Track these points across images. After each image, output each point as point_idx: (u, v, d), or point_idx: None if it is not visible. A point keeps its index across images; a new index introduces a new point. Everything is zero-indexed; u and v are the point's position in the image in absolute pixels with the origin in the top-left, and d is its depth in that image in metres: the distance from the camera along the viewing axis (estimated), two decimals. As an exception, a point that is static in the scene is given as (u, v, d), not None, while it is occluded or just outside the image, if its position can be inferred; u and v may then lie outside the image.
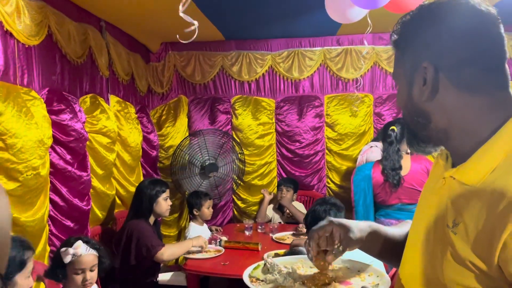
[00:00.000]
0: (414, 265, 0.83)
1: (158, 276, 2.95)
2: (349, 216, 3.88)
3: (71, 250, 1.84)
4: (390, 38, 0.87)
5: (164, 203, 2.84)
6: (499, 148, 0.71)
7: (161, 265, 2.99)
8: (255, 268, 1.18)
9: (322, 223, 1.03)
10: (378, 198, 3.06)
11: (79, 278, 1.85)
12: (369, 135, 4.09)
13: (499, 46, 0.76)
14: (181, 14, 1.58)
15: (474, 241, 0.68)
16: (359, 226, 1.01)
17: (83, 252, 1.86)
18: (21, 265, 1.50)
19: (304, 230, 3.08)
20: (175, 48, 4.22)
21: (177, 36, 1.96)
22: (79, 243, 1.87)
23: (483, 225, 0.67)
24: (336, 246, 0.99)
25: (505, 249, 0.63)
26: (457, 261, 0.71)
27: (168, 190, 2.90)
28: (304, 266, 1.18)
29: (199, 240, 2.83)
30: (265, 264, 1.16)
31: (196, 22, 1.63)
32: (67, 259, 1.83)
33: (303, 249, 2.16)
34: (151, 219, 2.83)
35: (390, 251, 1.02)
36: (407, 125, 0.87)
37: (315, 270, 1.11)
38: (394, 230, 1.06)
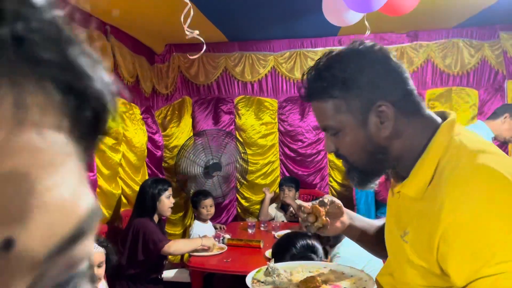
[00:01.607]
0: (389, 272, 0.95)
1: (162, 273, 3.03)
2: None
3: None
4: (314, 92, 0.88)
5: (166, 201, 2.89)
6: (430, 160, 0.81)
7: (166, 262, 3.07)
8: (258, 271, 1.27)
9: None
10: (379, 196, 3.12)
11: None
12: (370, 134, 4.12)
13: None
14: (186, 32, 1.65)
15: (419, 247, 0.79)
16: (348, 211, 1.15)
17: None
18: None
19: None
20: (179, 50, 4.29)
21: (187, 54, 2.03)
22: None
23: (423, 231, 0.77)
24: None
25: (438, 250, 0.74)
26: (413, 265, 0.82)
27: (170, 189, 2.94)
28: (303, 270, 1.27)
29: (208, 240, 2.89)
30: (267, 268, 1.25)
31: (197, 31, 1.71)
32: None
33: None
34: (155, 218, 2.90)
35: (362, 236, 1.15)
36: (361, 168, 0.90)
37: (312, 274, 1.22)
38: (372, 221, 1.18)
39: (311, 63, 4.36)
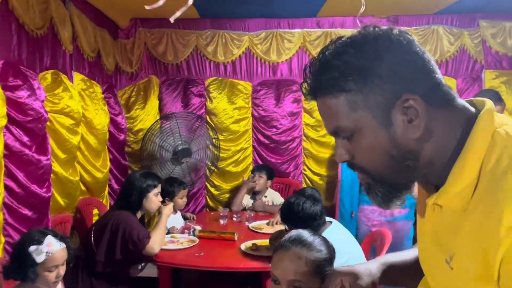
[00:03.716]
0: None
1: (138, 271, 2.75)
2: (330, 201, 3.80)
3: (44, 248, 1.64)
4: (321, 86, 0.71)
5: (154, 199, 2.65)
6: (472, 160, 0.65)
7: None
8: None
9: (329, 276, 0.96)
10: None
11: (52, 275, 1.67)
12: (347, 122, 3.99)
13: None
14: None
15: (471, 274, 0.62)
16: (369, 270, 0.93)
17: (57, 248, 1.67)
18: None
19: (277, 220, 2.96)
20: (146, 25, 3.95)
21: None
22: (51, 239, 1.67)
23: (475, 253, 0.61)
24: None
25: (500, 278, 0.58)
26: None
27: (160, 186, 2.71)
28: None
29: (168, 209, 2.70)
30: None
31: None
32: (41, 258, 1.63)
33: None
34: (138, 214, 2.63)
35: (408, 278, 0.95)
36: (386, 180, 0.72)
37: None
38: (406, 255, 0.99)
39: (288, 45, 4.20)
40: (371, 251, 2.66)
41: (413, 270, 0.92)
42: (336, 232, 2.04)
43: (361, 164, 0.73)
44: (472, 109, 0.71)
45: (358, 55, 0.68)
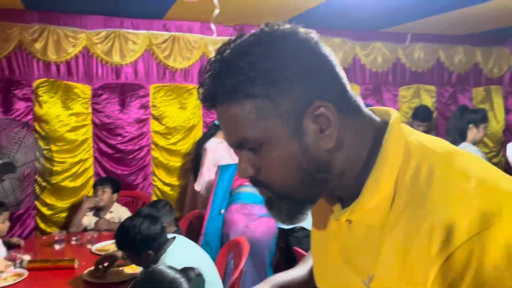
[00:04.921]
0: None
1: None
2: (182, 212, 3.63)
3: None
4: (223, 92, 0.62)
5: (1, 227, 2.28)
6: (388, 172, 0.62)
7: None
8: None
9: None
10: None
11: None
12: (198, 129, 3.91)
13: None
14: None
15: None
16: None
17: None
18: None
19: None
20: (-51, 11, 3.20)
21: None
22: None
23: (402, 273, 0.57)
24: None
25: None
26: None
27: (7, 213, 2.34)
28: None
29: None
30: None
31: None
32: None
33: None
34: None
35: None
36: (293, 196, 0.65)
37: None
38: (296, 273, 0.95)
39: (132, 46, 3.91)
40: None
41: None
42: (180, 250, 1.93)
43: (267, 179, 0.64)
44: (377, 118, 0.67)
45: (265, 56, 0.59)
